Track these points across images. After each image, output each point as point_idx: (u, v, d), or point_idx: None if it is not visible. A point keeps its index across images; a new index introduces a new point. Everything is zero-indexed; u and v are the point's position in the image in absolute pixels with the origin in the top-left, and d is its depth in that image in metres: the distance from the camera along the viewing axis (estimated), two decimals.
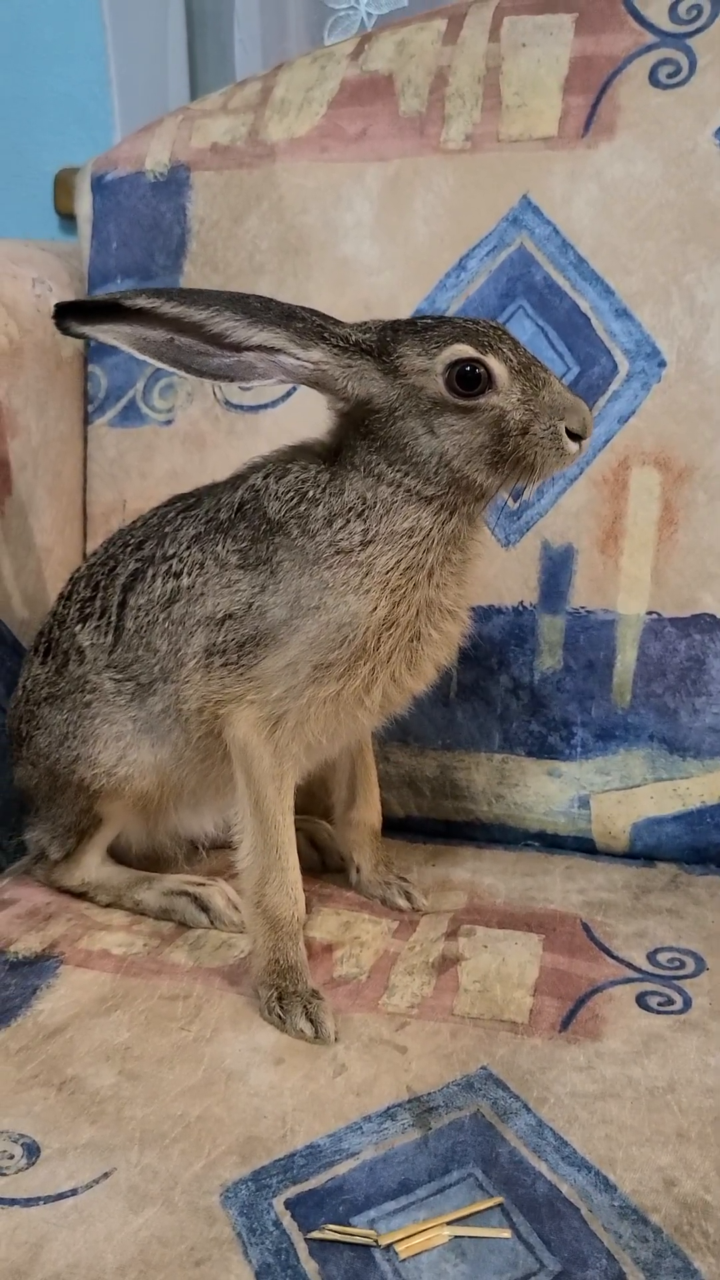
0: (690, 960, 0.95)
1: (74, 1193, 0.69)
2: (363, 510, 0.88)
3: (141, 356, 0.88)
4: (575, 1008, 0.88)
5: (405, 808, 1.23)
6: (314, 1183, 0.70)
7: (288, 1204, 0.68)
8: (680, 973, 0.93)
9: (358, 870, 1.09)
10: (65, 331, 0.89)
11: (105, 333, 0.88)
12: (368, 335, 0.88)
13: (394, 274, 1.21)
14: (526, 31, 1.19)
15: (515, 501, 1.17)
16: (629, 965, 0.94)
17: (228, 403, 1.29)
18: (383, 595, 0.88)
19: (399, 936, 1.00)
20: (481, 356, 0.84)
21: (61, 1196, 0.69)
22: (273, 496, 0.92)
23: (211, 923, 1.01)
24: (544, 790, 1.18)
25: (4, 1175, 0.71)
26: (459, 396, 0.85)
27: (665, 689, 1.13)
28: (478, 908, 1.04)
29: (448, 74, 1.21)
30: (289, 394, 1.25)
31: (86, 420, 1.37)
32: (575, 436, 0.86)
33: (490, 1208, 0.67)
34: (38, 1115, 0.76)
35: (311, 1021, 0.85)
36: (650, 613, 1.13)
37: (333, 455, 0.92)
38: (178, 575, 0.96)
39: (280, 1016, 0.86)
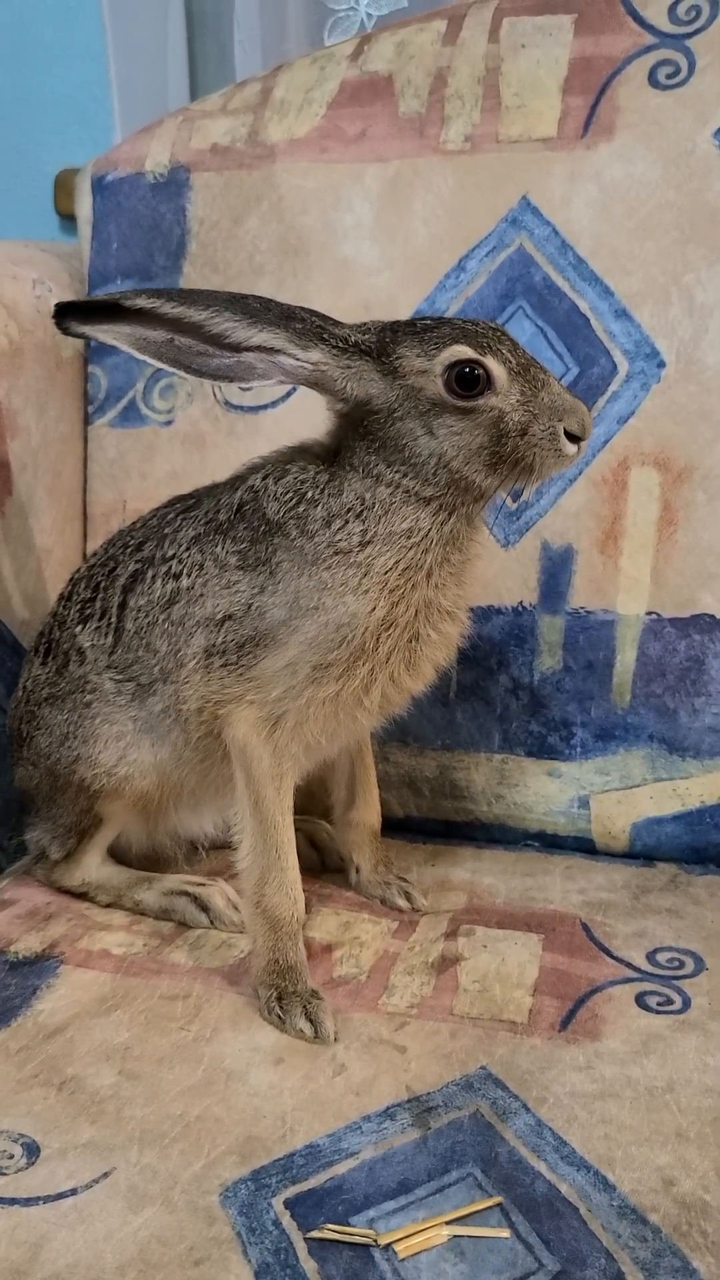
0: (689, 960, 0.95)
1: (74, 1192, 0.69)
2: (361, 511, 0.88)
3: (141, 357, 0.88)
4: (575, 1008, 0.88)
5: (405, 808, 1.23)
6: (313, 1182, 0.70)
7: (287, 1203, 0.68)
8: (679, 973, 0.93)
9: (357, 870, 1.09)
10: (65, 332, 0.89)
11: (105, 333, 0.88)
12: (367, 336, 0.88)
13: (393, 275, 1.22)
14: (526, 32, 1.19)
15: (514, 502, 1.17)
16: (628, 965, 0.94)
17: (228, 403, 1.29)
18: (381, 596, 0.88)
19: (398, 936, 1.00)
20: (480, 358, 0.84)
21: (61, 1196, 0.69)
22: (272, 497, 0.92)
23: (211, 923, 1.02)
24: (544, 790, 1.18)
25: (4, 1175, 0.71)
26: (458, 398, 0.85)
27: (665, 689, 1.13)
28: (477, 908, 1.04)
29: (447, 75, 1.22)
30: (289, 394, 1.25)
31: (86, 421, 1.37)
32: (574, 438, 0.86)
33: (489, 1207, 0.68)
34: (38, 1115, 0.76)
35: (311, 1021, 0.85)
36: (650, 613, 1.13)
37: (332, 456, 0.92)
38: (177, 576, 0.96)
39: (280, 1016, 0.86)
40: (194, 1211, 0.67)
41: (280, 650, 0.90)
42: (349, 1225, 0.66)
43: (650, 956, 0.95)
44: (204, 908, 1.02)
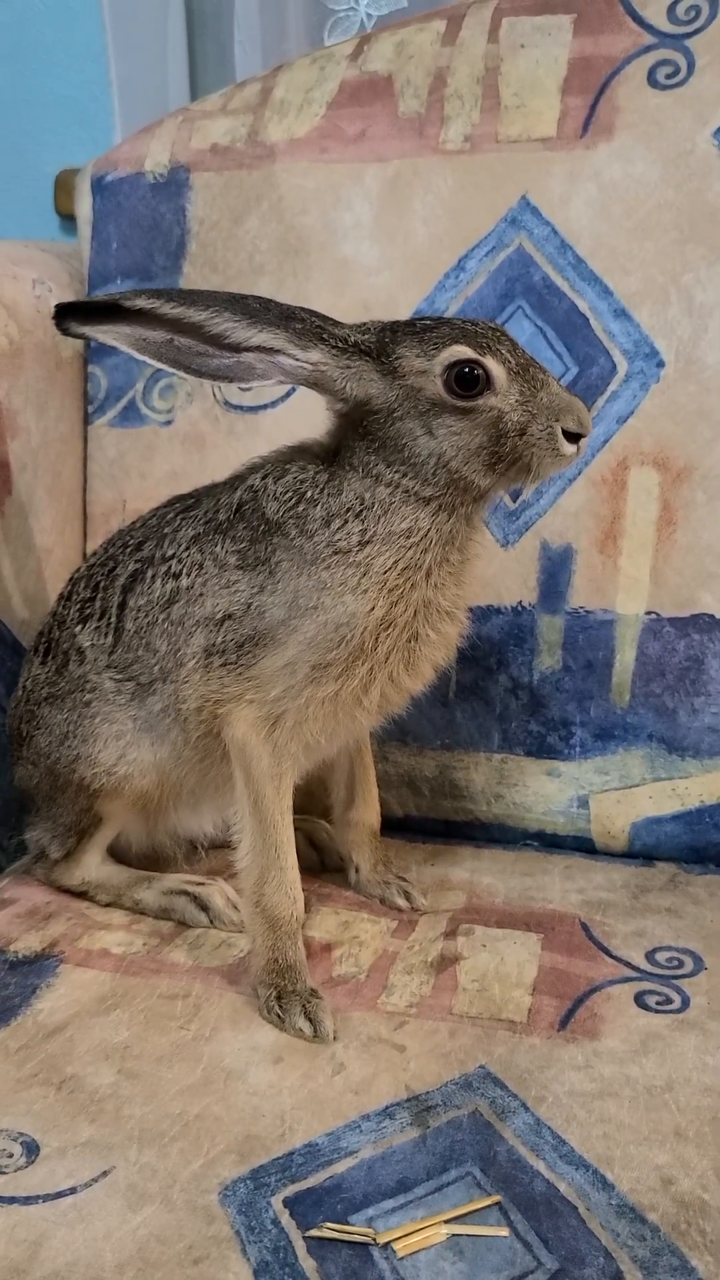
0: (689, 959, 0.95)
1: (73, 1191, 0.69)
2: (361, 511, 0.88)
3: (141, 357, 0.88)
4: (574, 1007, 0.88)
5: (404, 807, 1.23)
6: (312, 1181, 0.70)
7: (286, 1202, 0.68)
8: (679, 972, 0.93)
9: (357, 870, 1.09)
10: (65, 332, 0.89)
11: (105, 333, 0.88)
12: (367, 336, 0.89)
13: (393, 275, 1.22)
14: (525, 32, 1.19)
15: (514, 502, 1.17)
16: (627, 964, 0.94)
17: (227, 403, 1.29)
18: (380, 595, 0.88)
19: (398, 936, 1.00)
20: (480, 358, 0.85)
21: (60, 1195, 0.69)
22: (271, 497, 0.92)
23: (211, 922, 1.02)
24: (543, 790, 1.18)
25: (3, 1174, 0.71)
26: (457, 398, 0.85)
27: (664, 689, 1.14)
28: (476, 907, 1.05)
29: (447, 75, 1.22)
30: (288, 394, 1.25)
31: (86, 421, 1.37)
32: (573, 437, 0.86)
33: (488, 1206, 0.68)
34: (37, 1114, 0.76)
35: (310, 1020, 0.85)
36: (649, 612, 1.13)
37: (331, 456, 0.92)
38: (177, 576, 0.96)
39: (279, 1015, 0.86)
40: (193, 1210, 0.67)
41: (279, 650, 0.90)
42: (348, 1224, 0.67)
43: (649, 956, 0.95)
44: (203, 907, 1.02)
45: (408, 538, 0.88)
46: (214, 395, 1.29)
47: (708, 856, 1.14)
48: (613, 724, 1.16)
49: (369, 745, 1.09)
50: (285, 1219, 0.67)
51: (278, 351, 0.87)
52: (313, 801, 1.13)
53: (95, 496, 1.36)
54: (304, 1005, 0.86)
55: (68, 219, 1.87)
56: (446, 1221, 0.66)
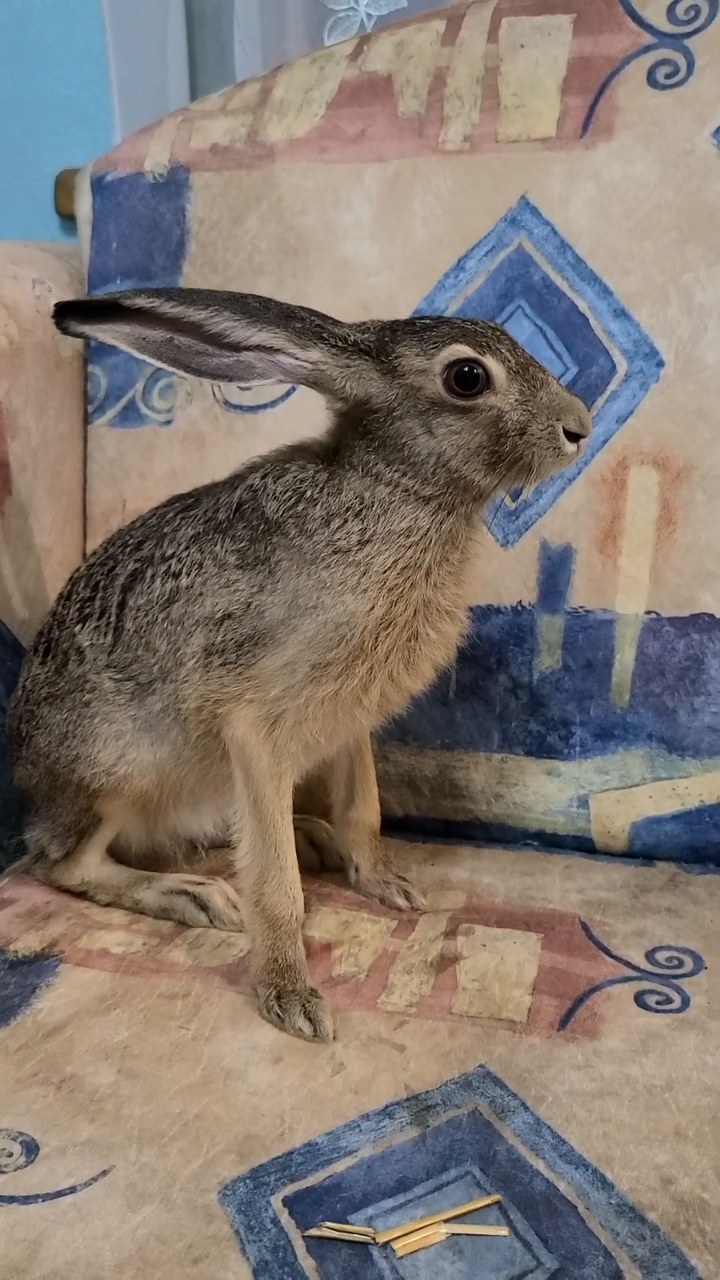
0: (689, 959, 0.95)
1: (73, 1190, 0.69)
2: (360, 510, 0.88)
3: (141, 356, 0.88)
4: (573, 1006, 0.88)
5: (404, 807, 1.23)
6: (312, 1180, 0.70)
7: (285, 1202, 0.68)
8: (679, 971, 0.93)
9: (356, 869, 1.09)
10: (65, 331, 0.89)
11: (105, 333, 0.88)
12: (366, 335, 0.89)
13: (393, 274, 1.22)
14: (525, 32, 1.19)
15: (514, 501, 1.17)
16: (627, 964, 0.94)
17: (227, 403, 1.29)
18: (380, 595, 0.88)
19: (398, 935, 1.00)
20: (480, 357, 0.85)
21: (60, 1194, 0.69)
22: (271, 496, 0.92)
23: (210, 922, 1.02)
24: (543, 790, 1.18)
25: (3, 1173, 0.71)
26: (457, 397, 0.85)
27: (664, 688, 1.14)
28: (476, 907, 1.05)
29: (446, 75, 1.22)
30: (288, 394, 1.25)
31: (86, 420, 1.37)
32: (573, 437, 0.86)
33: (488, 1205, 0.68)
34: (37, 1113, 0.76)
35: (310, 1020, 0.85)
36: (649, 612, 1.13)
37: (331, 455, 0.92)
38: (176, 575, 0.96)
39: (279, 1015, 0.86)
40: (192, 1209, 0.67)
41: (279, 649, 0.90)
42: (347, 1223, 0.67)
43: (649, 955, 0.95)
44: (203, 907, 1.02)
45: (407, 537, 0.88)
46: (214, 395, 1.29)
47: (708, 856, 1.14)
48: (613, 724, 1.16)
49: (369, 745, 1.09)
50: (285, 1218, 0.67)
51: (277, 350, 0.87)
52: (313, 801, 1.13)
53: (95, 496, 1.36)
54: (304, 1005, 0.86)
55: (68, 219, 1.87)
56: (446, 1221, 0.66)
